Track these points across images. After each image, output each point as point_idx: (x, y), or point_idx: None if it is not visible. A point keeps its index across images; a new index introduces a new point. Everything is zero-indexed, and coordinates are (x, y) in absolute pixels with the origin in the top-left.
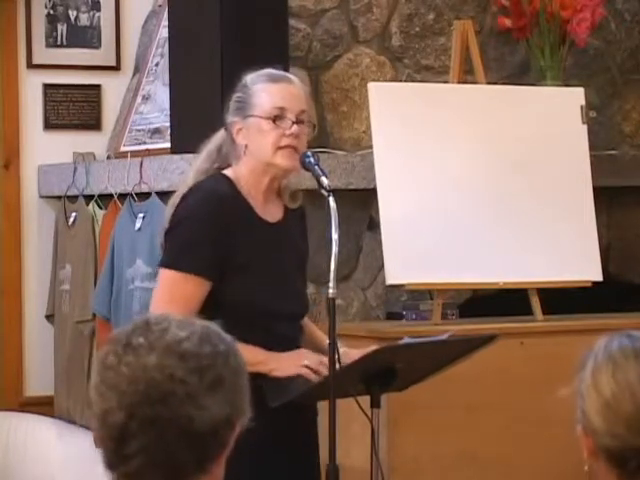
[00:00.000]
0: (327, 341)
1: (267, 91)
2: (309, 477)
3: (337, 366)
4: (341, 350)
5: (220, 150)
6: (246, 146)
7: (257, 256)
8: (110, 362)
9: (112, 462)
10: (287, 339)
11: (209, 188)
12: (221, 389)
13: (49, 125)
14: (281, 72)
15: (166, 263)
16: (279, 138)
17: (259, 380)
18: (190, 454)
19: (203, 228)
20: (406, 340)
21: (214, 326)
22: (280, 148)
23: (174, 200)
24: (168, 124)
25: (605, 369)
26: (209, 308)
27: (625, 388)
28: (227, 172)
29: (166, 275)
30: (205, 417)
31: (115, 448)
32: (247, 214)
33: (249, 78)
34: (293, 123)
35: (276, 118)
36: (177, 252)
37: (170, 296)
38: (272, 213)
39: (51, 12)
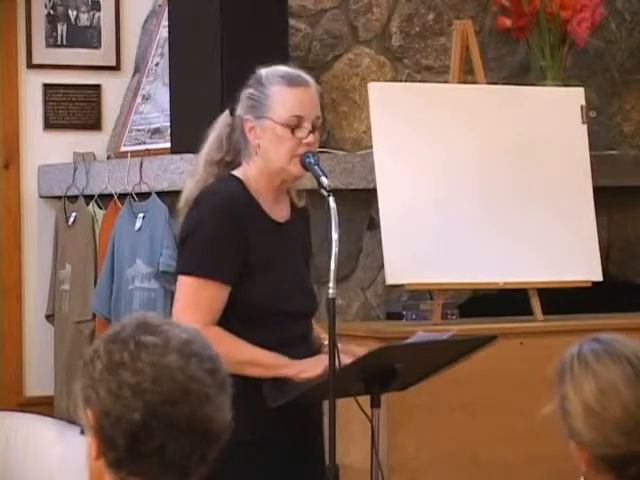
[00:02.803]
0: (325, 341)
1: (284, 96)
2: (315, 478)
3: (337, 366)
4: (346, 347)
5: (230, 138)
6: (258, 145)
7: (269, 256)
8: (123, 360)
9: (121, 460)
10: (300, 337)
11: (220, 191)
12: (227, 390)
13: (49, 125)
14: (298, 73)
15: (184, 269)
16: (295, 147)
17: (259, 381)
18: (200, 453)
19: (218, 232)
20: (418, 336)
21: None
22: (295, 156)
23: (188, 203)
24: (168, 124)
25: (585, 379)
26: (224, 309)
27: (609, 393)
28: (237, 173)
29: (185, 282)
30: (220, 418)
31: (128, 446)
32: (258, 215)
33: (264, 75)
34: (309, 132)
35: (293, 127)
36: (194, 258)
37: (190, 303)
38: (281, 213)
39: (51, 12)
